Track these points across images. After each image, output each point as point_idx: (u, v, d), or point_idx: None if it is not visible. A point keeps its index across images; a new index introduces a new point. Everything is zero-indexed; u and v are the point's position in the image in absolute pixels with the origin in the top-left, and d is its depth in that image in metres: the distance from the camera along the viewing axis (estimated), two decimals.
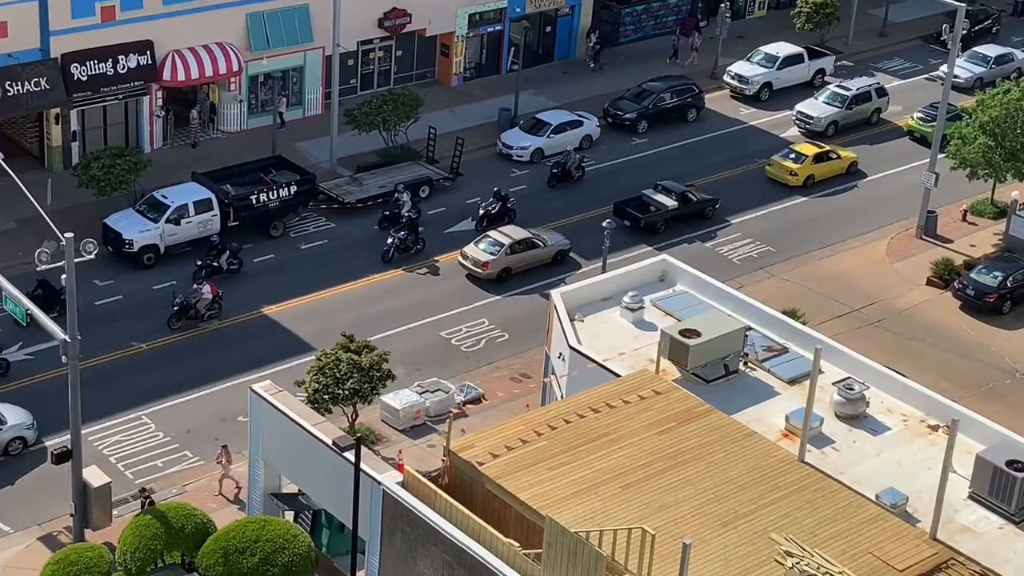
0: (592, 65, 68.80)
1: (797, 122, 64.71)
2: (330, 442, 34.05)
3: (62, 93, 54.68)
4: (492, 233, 52.47)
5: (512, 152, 60.57)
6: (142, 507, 37.65)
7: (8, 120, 56.43)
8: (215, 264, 50.13)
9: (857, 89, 65.50)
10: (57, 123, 55.50)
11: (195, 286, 48.13)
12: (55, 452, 37.30)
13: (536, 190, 57.89)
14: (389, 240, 52.29)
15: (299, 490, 37.17)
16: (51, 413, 41.61)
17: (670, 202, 55.98)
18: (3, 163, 38.35)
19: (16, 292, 36.37)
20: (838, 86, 65.94)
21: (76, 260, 34.97)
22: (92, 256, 36.70)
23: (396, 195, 54.50)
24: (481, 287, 51.37)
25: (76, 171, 53.02)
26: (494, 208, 54.62)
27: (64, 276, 34.80)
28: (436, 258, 52.84)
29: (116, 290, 49.46)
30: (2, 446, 41.46)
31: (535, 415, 34.42)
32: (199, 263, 49.95)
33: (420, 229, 52.82)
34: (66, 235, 34.77)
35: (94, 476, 37.36)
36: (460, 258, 52.13)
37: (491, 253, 51.70)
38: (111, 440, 42.38)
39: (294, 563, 34.54)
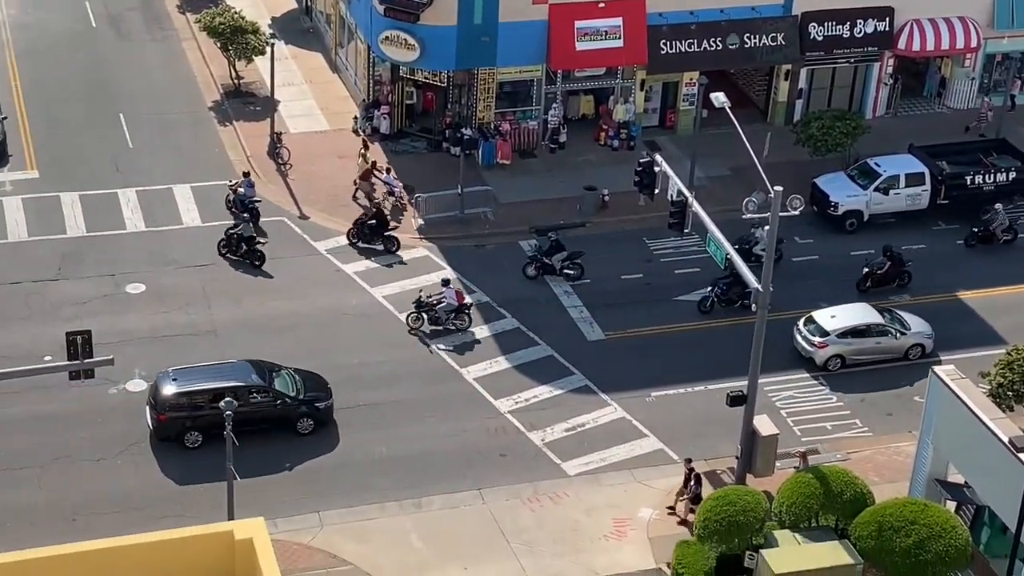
0: None
1: None
2: (1006, 440, 32.76)
3: (796, 51, 55.63)
4: None
5: None
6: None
7: (740, 71, 58.36)
8: (547, 261, 46.40)
9: None
10: (786, 79, 56.60)
11: (442, 288, 43.83)
12: (731, 395, 38.47)
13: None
14: (709, 288, 45.64)
15: (965, 481, 36.03)
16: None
17: None
18: (729, 111, 39.65)
19: (720, 235, 37.65)
20: None
21: (781, 213, 35.70)
22: (796, 212, 37.55)
23: (752, 229, 47.00)
24: None
25: (795, 128, 53.94)
26: (881, 268, 47.14)
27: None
28: None
29: (814, 249, 49.88)
30: (903, 350, 43.84)
31: None
32: (530, 256, 46.58)
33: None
34: (775, 188, 35.53)
35: (764, 425, 38.23)
36: None
37: None
38: (785, 394, 43.00)
39: (948, 553, 33.71)
